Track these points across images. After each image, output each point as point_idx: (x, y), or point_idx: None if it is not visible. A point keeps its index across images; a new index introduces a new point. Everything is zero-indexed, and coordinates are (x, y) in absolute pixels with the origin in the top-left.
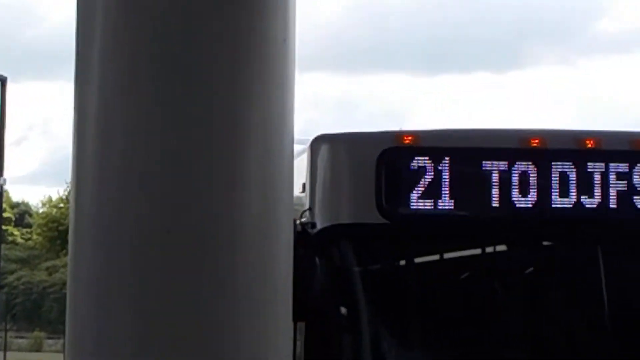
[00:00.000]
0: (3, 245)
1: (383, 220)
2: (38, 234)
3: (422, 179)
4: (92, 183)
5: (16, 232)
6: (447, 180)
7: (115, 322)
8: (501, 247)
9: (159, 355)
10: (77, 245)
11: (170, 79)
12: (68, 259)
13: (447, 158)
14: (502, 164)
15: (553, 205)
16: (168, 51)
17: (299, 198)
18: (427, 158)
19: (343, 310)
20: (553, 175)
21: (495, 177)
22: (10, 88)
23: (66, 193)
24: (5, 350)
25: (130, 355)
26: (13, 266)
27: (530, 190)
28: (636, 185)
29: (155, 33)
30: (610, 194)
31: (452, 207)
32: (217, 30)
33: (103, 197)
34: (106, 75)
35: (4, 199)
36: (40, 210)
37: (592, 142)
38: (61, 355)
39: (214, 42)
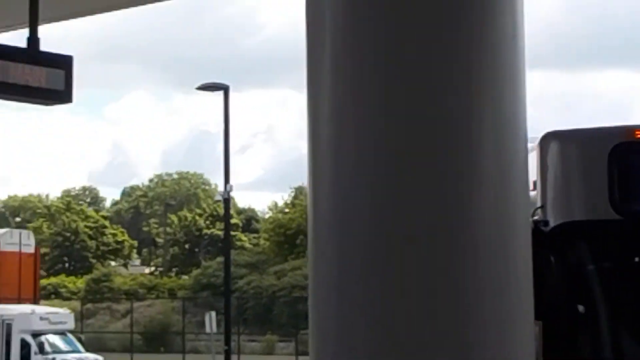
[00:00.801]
0: (232, 251)
1: (616, 216)
2: (265, 239)
3: None
4: (328, 185)
5: (244, 238)
6: None
7: (355, 324)
8: None
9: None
10: (316, 246)
11: (401, 79)
12: (308, 259)
13: None
14: None
15: None
16: (397, 52)
17: (530, 196)
18: None
19: (579, 308)
20: None
21: None
22: (233, 97)
23: (291, 198)
24: (239, 353)
25: (369, 357)
26: (243, 271)
27: None
28: None
29: (384, 35)
30: None
31: None
32: (448, 30)
33: (338, 198)
34: (337, 79)
35: (231, 206)
36: (267, 216)
37: None
38: (292, 358)
39: (445, 42)
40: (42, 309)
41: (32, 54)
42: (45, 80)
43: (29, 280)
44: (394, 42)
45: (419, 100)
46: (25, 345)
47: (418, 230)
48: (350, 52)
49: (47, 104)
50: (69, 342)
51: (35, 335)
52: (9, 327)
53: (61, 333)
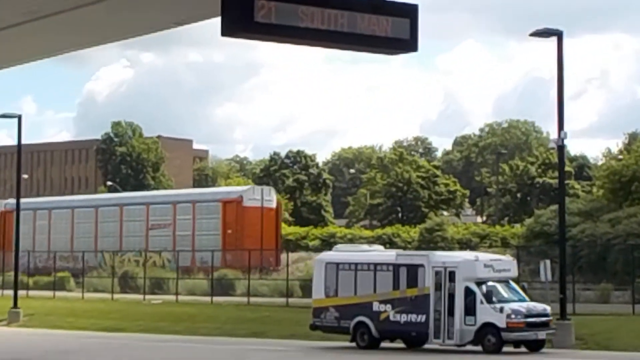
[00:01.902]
0: (566, 199)
1: None
2: (599, 187)
3: None
4: None
5: (577, 186)
6: None
7: None
8: None
9: None
10: None
11: None
12: None
13: None
14: None
15: None
16: None
17: None
18: None
19: None
20: None
21: None
22: (566, 42)
23: (625, 144)
24: (574, 302)
25: None
26: (576, 219)
27: None
28: None
29: None
30: None
31: None
32: None
33: None
34: None
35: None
36: (600, 163)
37: None
38: (629, 306)
39: None
40: (485, 256)
41: (377, 3)
42: (391, 29)
43: (271, 233)
44: None
45: None
46: (469, 293)
47: None
48: None
49: (392, 54)
50: (513, 290)
51: (479, 283)
52: (452, 275)
53: (504, 281)
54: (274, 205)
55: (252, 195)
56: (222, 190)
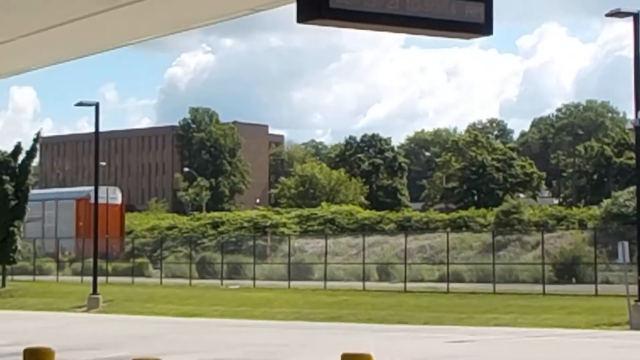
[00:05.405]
0: None
1: None
2: None
3: None
4: None
5: None
6: None
7: None
8: None
9: None
10: None
11: None
12: None
13: None
14: None
15: None
16: None
17: None
18: None
19: None
20: None
21: None
22: None
23: None
24: None
25: None
26: None
27: None
28: None
29: None
30: None
31: None
32: None
33: None
34: None
35: None
36: None
37: None
38: None
39: None
40: None
41: None
42: (466, 13)
43: (115, 225)
44: None
45: None
46: None
47: None
48: None
49: (466, 37)
50: None
51: None
52: None
53: None
54: (118, 202)
55: (100, 194)
56: (76, 190)
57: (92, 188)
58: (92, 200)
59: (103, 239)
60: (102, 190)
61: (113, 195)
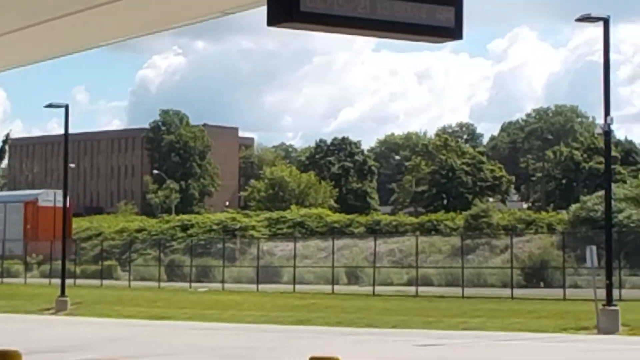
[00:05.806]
0: (612, 185)
1: None
2: None
3: None
4: None
5: (622, 171)
6: None
7: None
8: None
9: None
10: None
11: None
12: None
13: None
14: None
15: None
16: None
17: None
18: None
19: None
20: None
21: None
22: (626, 26)
23: None
24: (620, 287)
25: None
26: (622, 205)
27: None
28: None
29: None
30: None
31: None
32: None
33: None
34: None
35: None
36: None
37: None
38: None
39: None
40: None
41: None
42: (435, 17)
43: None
44: None
45: None
46: None
47: None
48: None
49: (436, 41)
50: None
51: None
52: None
53: None
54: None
55: (47, 197)
56: (24, 193)
57: (40, 192)
58: (40, 204)
59: (48, 241)
60: (50, 193)
61: (60, 198)
